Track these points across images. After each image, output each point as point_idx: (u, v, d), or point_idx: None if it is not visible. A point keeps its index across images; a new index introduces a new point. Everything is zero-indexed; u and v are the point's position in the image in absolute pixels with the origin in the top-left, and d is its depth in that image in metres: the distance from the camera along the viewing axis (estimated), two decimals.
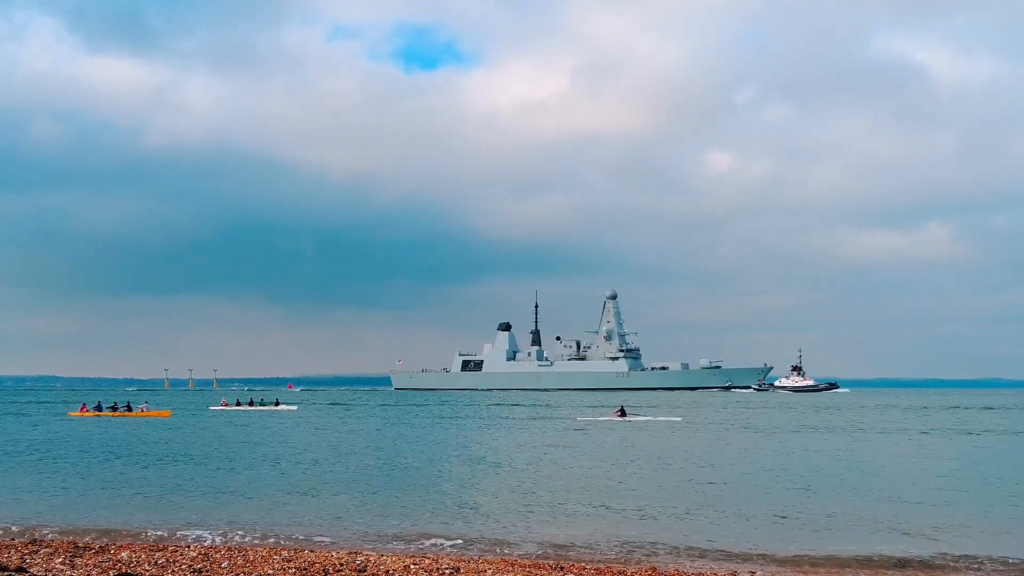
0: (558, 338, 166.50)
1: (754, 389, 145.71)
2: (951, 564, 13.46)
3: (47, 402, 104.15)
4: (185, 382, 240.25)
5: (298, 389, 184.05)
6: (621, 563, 13.55)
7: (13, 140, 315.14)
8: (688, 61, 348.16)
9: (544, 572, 12.47)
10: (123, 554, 13.31)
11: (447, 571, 12.22)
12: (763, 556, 13.98)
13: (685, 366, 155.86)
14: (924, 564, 13.48)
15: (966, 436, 41.60)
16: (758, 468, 26.34)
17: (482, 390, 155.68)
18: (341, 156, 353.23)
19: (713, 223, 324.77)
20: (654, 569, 13.03)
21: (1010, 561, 13.57)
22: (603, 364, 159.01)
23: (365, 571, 12.16)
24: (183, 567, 12.27)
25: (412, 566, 12.50)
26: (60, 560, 12.79)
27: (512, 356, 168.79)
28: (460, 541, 15.21)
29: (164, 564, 12.50)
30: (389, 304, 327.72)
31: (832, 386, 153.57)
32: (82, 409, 65.73)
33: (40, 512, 18.43)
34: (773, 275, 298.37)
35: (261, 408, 72.32)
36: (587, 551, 14.42)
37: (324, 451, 32.51)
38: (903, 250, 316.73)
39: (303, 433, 43.71)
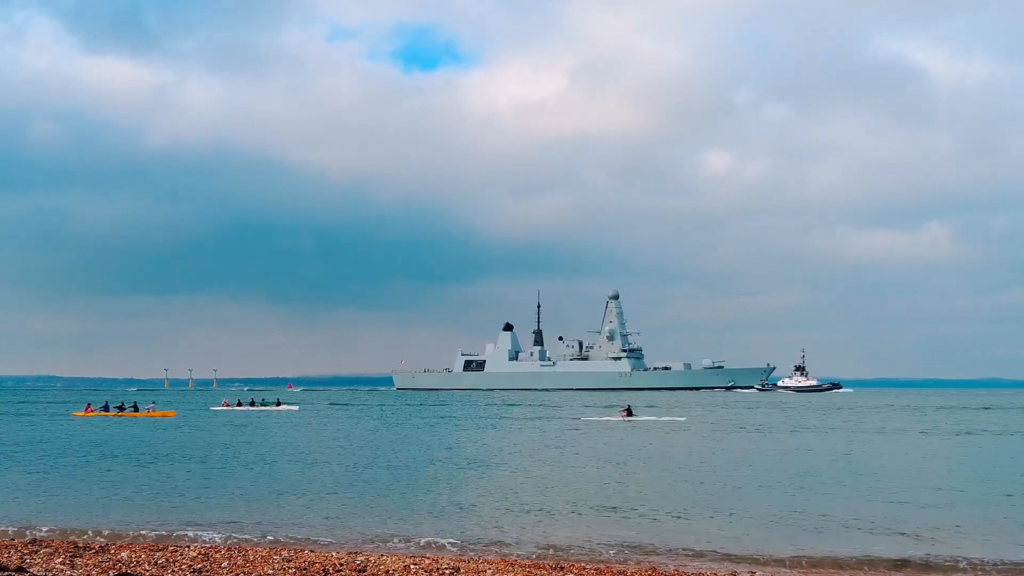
0: (560, 338, 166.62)
1: (757, 389, 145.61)
2: (950, 565, 13.43)
3: (48, 402, 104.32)
4: (185, 382, 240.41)
5: (298, 389, 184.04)
6: (621, 563, 13.55)
7: (13, 140, 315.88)
8: (688, 61, 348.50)
9: (544, 572, 12.48)
10: (123, 554, 13.33)
11: (447, 571, 12.23)
12: (763, 556, 13.97)
13: (688, 366, 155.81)
14: (923, 565, 13.46)
15: (967, 436, 41.55)
16: (759, 468, 26.31)
17: (484, 390, 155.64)
18: (341, 156, 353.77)
19: (713, 223, 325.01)
20: (654, 569, 13.03)
21: (1008, 562, 13.54)
22: (606, 364, 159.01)
23: (365, 571, 12.16)
24: (183, 567, 12.28)
25: (412, 566, 12.51)
26: (60, 560, 12.81)
27: (514, 356, 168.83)
28: (460, 541, 15.21)
29: (164, 564, 12.51)
30: (389, 304, 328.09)
31: (835, 386, 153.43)
32: (87, 409, 65.79)
33: (40, 512, 18.44)
34: (773, 275, 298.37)
35: (262, 408, 72.36)
36: (587, 551, 14.42)
37: (325, 451, 32.52)
38: (903, 250, 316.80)
39: (304, 433, 43.73)
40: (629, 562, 13.67)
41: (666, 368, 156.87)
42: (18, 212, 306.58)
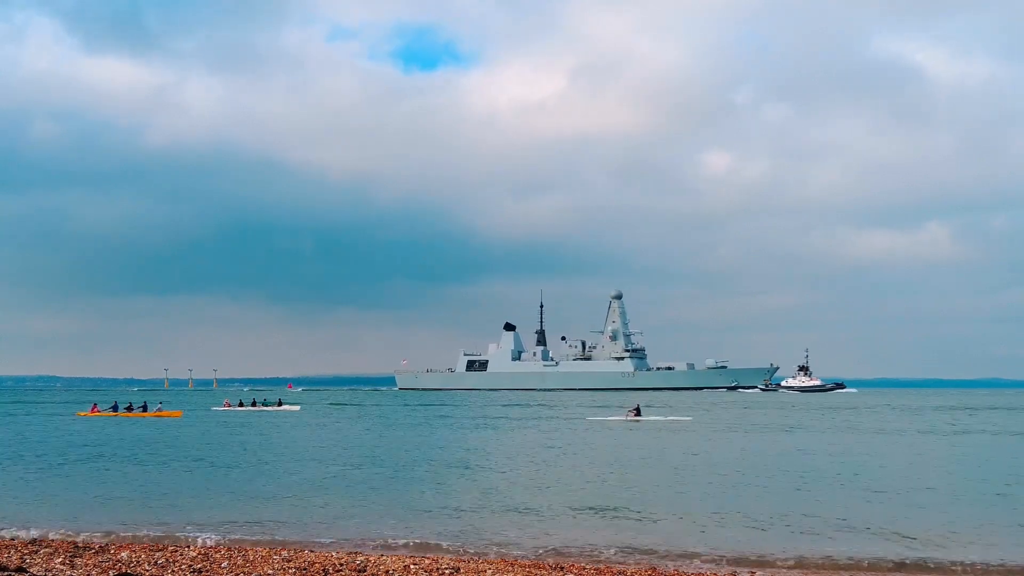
0: (563, 338, 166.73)
1: (760, 389, 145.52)
2: (949, 566, 13.38)
3: (48, 402, 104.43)
4: (185, 382, 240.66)
5: (299, 389, 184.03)
6: (621, 563, 13.52)
7: (13, 140, 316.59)
8: (687, 61, 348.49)
9: (544, 572, 12.45)
10: (123, 554, 13.32)
11: (447, 571, 12.21)
12: (763, 556, 13.94)
13: (691, 366, 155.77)
14: (922, 566, 13.42)
15: (967, 436, 41.47)
16: (759, 468, 26.27)
17: (487, 390, 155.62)
18: (341, 156, 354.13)
19: (713, 223, 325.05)
20: (654, 569, 13.00)
21: (1008, 563, 13.50)
22: (609, 364, 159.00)
23: (365, 571, 12.14)
24: (183, 567, 12.27)
25: (412, 566, 12.49)
26: (60, 560, 12.80)
27: (517, 356, 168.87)
28: (460, 541, 15.19)
29: (164, 564, 12.50)
30: (389, 304, 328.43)
31: (839, 386, 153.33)
32: (93, 409, 65.82)
33: (40, 512, 18.44)
34: (773, 275, 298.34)
35: (264, 408, 72.34)
36: (587, 551, 14.39)
37: (325, 451, 32.51)
38: (903, 250, 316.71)
39: (306, 433, 43.74)
40: (629, 562, 13.64)
41: (669, 368, 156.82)
42: (18, 212, 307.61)
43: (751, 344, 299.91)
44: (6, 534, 15.83)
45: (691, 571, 13.03)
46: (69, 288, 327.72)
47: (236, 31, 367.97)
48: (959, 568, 13.24)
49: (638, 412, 53.14)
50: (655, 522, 16.98)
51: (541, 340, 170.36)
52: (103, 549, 13.86)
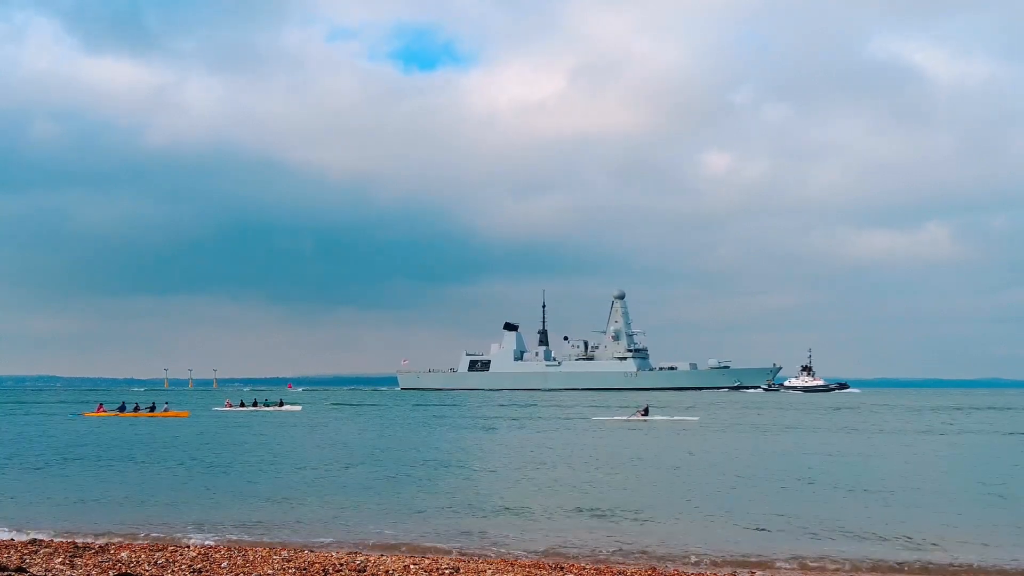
0: (566, 338, 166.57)
1: (763, 389, 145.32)
2: (948, 567, 13.36)
3: (48, 402, 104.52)
4: (185, 382, 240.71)
5: (299, 389, 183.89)
6: (621, 563, 13.51)
7: (13, 140, 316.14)
8: (687, 61, 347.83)
9: (544, 572, 12.44)
10: (123, 554, 13.32)
11: (447, 571, 12.19)
12: (763, 557, 13.93)
13: (694, 366, 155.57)
14: (921, 567, 13.41)
15: (967, 436, 41.43)
16: (760, 469, 26.26)
17: (489, 390, 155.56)
18: (341, 156, 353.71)
19: (713, 223, 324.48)
20: (654, 569, 12.99)
21: (1006, 565, 13.48)
22: (611, 364, 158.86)
23: (365, 571, 12.14)
24: (183, 567, 12.27)
25: (412, 566, 12.48)
26: (60, 560, 12.80)
27: (519, 356, 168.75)
28: (460, 541, 15.19)
29: (164, 564, 12.49)
30: (389, 304, 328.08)
31: (842, 386, 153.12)
32: (99, 409, 65.90)
33: (40, 512, 18.46)
34: (773, 275, 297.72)
35: (265, 409, 72.31)
36: (587, 551, 14.39)
37: (326, 451, 32.52)
38: (903, 250, 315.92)
39: (307, 433, 43.74)
40: (629, 562, 13.63)
41: (672, 368, 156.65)
42: (18, 212, 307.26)
43: (751, 344, 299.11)
44: (6, 534, 15.85)
45: (691, 571, 13.02)
46: (69, 288, 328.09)
47: (236, 31, 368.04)
48: (959, 569, 13.22)
49: (646, 412, 53.17)
50: (655, 522, 16.98)
51: (544, 340, 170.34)
52: (103, 549, 13.86)
